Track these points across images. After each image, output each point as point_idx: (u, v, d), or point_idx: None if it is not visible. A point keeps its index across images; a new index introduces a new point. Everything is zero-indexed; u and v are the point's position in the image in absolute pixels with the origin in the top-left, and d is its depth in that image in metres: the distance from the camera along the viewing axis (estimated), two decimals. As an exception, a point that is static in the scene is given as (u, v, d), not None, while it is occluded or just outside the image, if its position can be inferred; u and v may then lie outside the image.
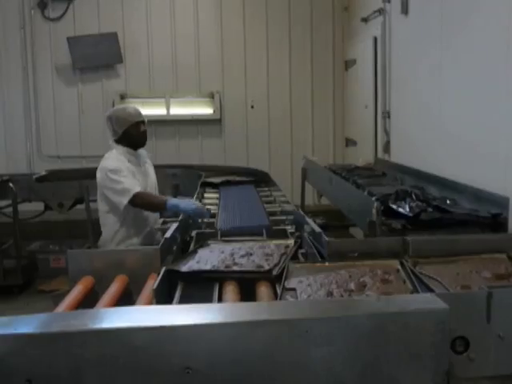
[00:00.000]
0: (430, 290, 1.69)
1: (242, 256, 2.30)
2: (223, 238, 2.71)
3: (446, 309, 1.29)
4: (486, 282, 1.79)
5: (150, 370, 1.25)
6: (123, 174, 3.39)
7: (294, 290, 1.83)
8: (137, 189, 3.37)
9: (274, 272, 2.06)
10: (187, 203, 3.25)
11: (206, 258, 2.28)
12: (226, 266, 2.16)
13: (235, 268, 2.14)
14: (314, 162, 5.58)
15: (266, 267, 2.12)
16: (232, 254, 2.33)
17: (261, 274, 2.08)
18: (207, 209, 3.27)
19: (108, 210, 3.47)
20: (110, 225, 3.48)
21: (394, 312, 1.30)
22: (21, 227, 5.53)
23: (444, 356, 1.28)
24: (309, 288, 1.84)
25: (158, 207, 3.41)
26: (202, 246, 2.51)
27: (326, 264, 2.11)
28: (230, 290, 1.93)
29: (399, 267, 2.00)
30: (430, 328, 1.27)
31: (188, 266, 2.17)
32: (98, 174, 3.44)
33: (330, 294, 1.78)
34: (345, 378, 1.29)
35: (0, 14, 7.05)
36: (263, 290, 1.93)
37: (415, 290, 1.75)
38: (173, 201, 3.34)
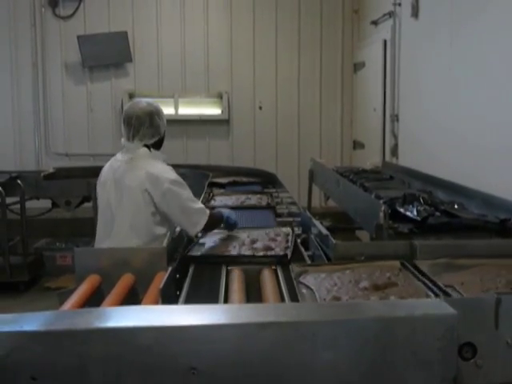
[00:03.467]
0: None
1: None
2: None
3: (454, 314, 1.28)
4: (360, 292, 1.76)
5: (155, 369, 1.24)
6: (186, 186, 2.86)
7: None
8: (207, 209, 2.88)
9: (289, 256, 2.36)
10: (231, 213, 2.94)
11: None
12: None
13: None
14: (322, 164, 5.57)
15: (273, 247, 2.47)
16: None
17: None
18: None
19: (152, 226, 2.81)
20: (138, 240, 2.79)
21: (401, 316, 1.29)
22: (28, 224, 5.55)
23: (452, 362, 1.27)
24: None
25: (219, 223, 2.90)
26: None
27: None
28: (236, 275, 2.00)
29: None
30: (437, 333, 1.26)
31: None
32: (157, 185, 2.75)
33: None
34: (351, 382, 1.28)
35: (11, 12, 7.08)
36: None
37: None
38: (225, 213, 2.93)
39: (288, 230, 2.79)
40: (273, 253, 2.40)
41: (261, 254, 2.40)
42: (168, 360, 1.24)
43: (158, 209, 2.77)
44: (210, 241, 2.69)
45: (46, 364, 1.23)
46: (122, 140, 2.93)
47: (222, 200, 3.75)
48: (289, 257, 2.34)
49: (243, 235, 2.72)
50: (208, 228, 2.80)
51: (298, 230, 2.93)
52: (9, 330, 1.23)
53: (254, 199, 3.79)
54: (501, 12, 3.46)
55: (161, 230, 2.81)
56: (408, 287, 1.81)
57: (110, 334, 1.24)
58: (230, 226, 2.87)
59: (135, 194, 2.78)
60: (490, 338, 1.41)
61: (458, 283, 1.80)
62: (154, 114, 2.87)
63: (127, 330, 1.25)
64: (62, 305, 1.88)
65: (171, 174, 2.81)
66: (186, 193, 2.78)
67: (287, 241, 2.57)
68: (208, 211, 2.81)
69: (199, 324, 1.26)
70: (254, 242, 2.57)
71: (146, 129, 2.86)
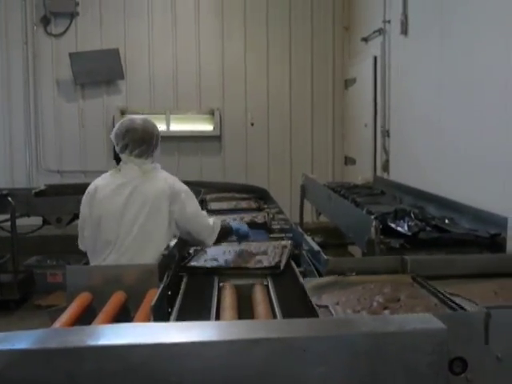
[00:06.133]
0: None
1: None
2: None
3: (443, 329, 1.29)
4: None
5: (147, 387, 1.24)
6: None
7: None
8: (218, 221, 3.03)
9: (281, 267, 2.46)
10: (242, 225, 3.15)
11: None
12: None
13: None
14: (313, 180, 5.59)
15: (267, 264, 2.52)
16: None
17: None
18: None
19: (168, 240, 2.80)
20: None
21: (391, 332, 1.30)
22: (18, 242, 5.52)
23: (442, 377, 1.28)
24: None
25: (227, 235, 3.06)
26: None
27: None
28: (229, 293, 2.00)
29: None
30: (427, 348, 1.26)
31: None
32: (173, 195, 2.83)
33: None
34: (342, 398, 1.28)
35: (3, 30, 7.11)
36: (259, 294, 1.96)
37: None
38: (236, 225, 3.13)
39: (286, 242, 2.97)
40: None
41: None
42: (160, 377, 1.24)
43: (171, 219, 2.83)
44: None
45: (37, 382, 1.22)
46: (126, 157, 2.91)
47: (215, 205, 4.27)
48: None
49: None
50: (218, 239, 2.94)
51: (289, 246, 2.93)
52: (0, 348, 1.23)
53: (243, 203, 4.31)
54: (490, 28, 3.51)
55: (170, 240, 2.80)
56: None
57: (102, 352, 1.24)
58: (242, 237, 3.03)
59: (157, 203, 2.82)
60: (480, 352, 1.42)
61: (334, 303, 1.79)
62: (159, 136, 3.00)
63: (119, 347, 1.25)
64: (53, 323, 1.87)
65: (183, 185, 2.94)
66: (198, 204, 3.00)
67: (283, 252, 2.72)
68: (219, 222, 2.97)
69: (191, 341, 1.26)
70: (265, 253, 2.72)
71: (152, 148, 2.95)
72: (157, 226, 2.82)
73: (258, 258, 2.60)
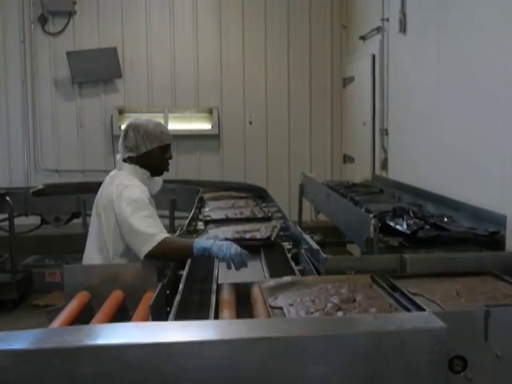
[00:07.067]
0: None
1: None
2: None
3: (443, 327, 1.28)
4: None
5: (145, 387, 1.23)
6: (147, 208, 2.68)
7: None
8: (162, 234, 2.57)
9: (272, 238, 2.96)
10: (221, 246, 2.41)
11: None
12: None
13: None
14: (312, 179, 5.59)
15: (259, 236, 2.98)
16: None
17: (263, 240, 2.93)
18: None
19: (123, 253, 2.71)
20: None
21: (391, 330, 1.30)
22: (17, 241, 5.51)
23: (442, 375, 1.27)
24: None
25: (184, 254, 2.53)
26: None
27: None
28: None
29: None
30: (427, 347, 1.26)
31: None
32: (116, 204, 2.67)
33: None
34: (342, 397, 1.28)
35: (0, 29, 7.09)
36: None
37: None
38: (200, 242, 2.49)
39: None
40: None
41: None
42: (158, 377, 1.23)
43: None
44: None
45: (35, 382, 1.21)
46: None
47: (213, 204, 4.22)
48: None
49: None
50: (164, 257, 2.53)
51: (288, 245, 2.94)
52: (-3, 348, 1.22)
53: (241, 202, 4.27)
54: (489, 25, 3.51)
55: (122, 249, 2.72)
56: None
57: (100, 352, 1.24)
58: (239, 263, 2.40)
59: (106, 209, 2.76)
60: (479, 350, 1.41)
61: (288, 304, 1.77)
62: (129, 128, 2.86)
63: (117, 347, 1.24)
64: (51, 322, 1.86)
65: (134, 193, 2.69)
66: (141, 213, 2.61)
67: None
68: (159, 238, 2.52)
69: (189, 340, 1.26)
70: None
71: (122, 141, 2.90)
72: (106, 236, 2.74)
73: (252, 233, 3.05)
